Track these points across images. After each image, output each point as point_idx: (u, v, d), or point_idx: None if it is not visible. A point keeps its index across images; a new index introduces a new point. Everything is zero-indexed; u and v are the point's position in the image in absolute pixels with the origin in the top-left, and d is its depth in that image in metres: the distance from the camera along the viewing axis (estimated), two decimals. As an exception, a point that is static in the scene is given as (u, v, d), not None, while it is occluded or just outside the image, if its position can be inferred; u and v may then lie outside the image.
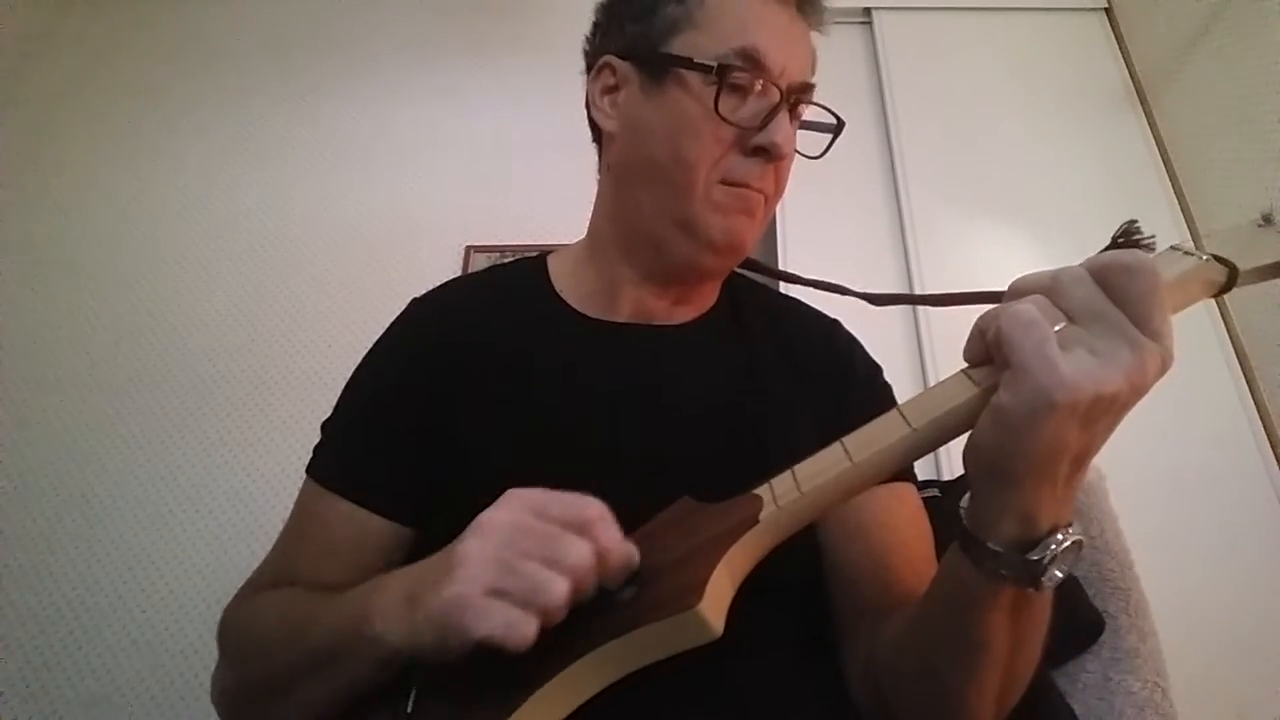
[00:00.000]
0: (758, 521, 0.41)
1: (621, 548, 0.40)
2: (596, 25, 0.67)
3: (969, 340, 0.37)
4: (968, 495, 0.40)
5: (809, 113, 0.64)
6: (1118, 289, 0.34)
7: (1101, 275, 0.34)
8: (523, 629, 0.36)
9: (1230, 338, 1.54)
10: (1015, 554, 0.37)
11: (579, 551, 0.38)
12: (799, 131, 0.64)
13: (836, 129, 0.66)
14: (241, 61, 2.05)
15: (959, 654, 0.43)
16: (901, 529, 0.58)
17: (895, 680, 0.49)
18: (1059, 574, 0.37)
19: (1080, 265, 0.35)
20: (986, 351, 0.36)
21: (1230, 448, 1.44)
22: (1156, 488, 1.37)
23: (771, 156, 0.58)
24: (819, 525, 0.58)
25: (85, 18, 2.08)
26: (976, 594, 0.40)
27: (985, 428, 0.35)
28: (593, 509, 0.40)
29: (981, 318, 0.36)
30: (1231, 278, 0.37)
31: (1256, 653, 1.28)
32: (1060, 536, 0.37)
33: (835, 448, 0.41)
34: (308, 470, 0.61)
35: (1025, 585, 0.38)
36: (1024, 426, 0.33)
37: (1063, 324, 0.34)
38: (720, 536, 0.41)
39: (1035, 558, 0.37)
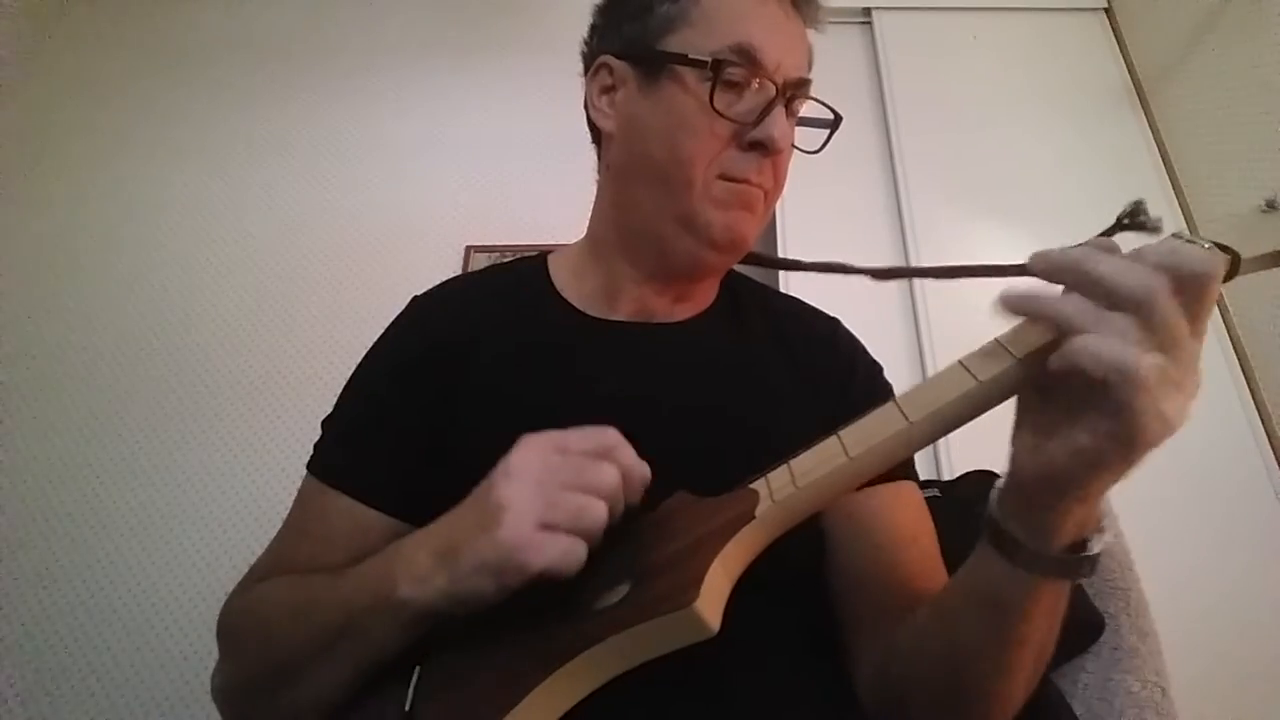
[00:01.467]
0: (754, 517, 0.41)
1: (641, 466, 0.43)
2: (593, 26, 0.68)
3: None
4: (996, 501, 0.40)
5: (806, 108, 0.64)
6: (1189, 297, 0.33)
7: (1179, 285, 0.32)
8: (577, 554, 0.40)
9: (1230, 338, 1.54)
10: (1072, 555, 0.38)
11: (609, 473, 0.42)
12: (797, 128, 0.64)
13: (834, 124, 0.66)
14: (241, 61, 2.06)
15: (998, 652, 0.43)
16: (909, 526, 0.58)
17: (918, 681, 0.48)
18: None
19: (1160, 273, 0.32)
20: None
21: (1230, 448, 1.44)
22: (1156, 488, 1.37)
23: (769, 151, 0.58)
24: (824, 526, 0.58)
25: (85, 18, 2.09)
26: (1021, 596, 0.40)
27: (1061, 461, 0.35)
28: (610, 435, 0.44)
29: (1074, 340, 0.33)
30: (1234, 266, 0.36)
31: (1256, 653, 1.28)
32: (1104, 525, 0.39)
33: (831, 441, 0.41)
34: (308, 466, 0.61)
35: (1078, 579, 0.40)
36: (1115, 466, 0.34)
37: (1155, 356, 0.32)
38: (716, 532, 0.41)
39: (1093, 553, 0.38)
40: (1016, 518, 0.39)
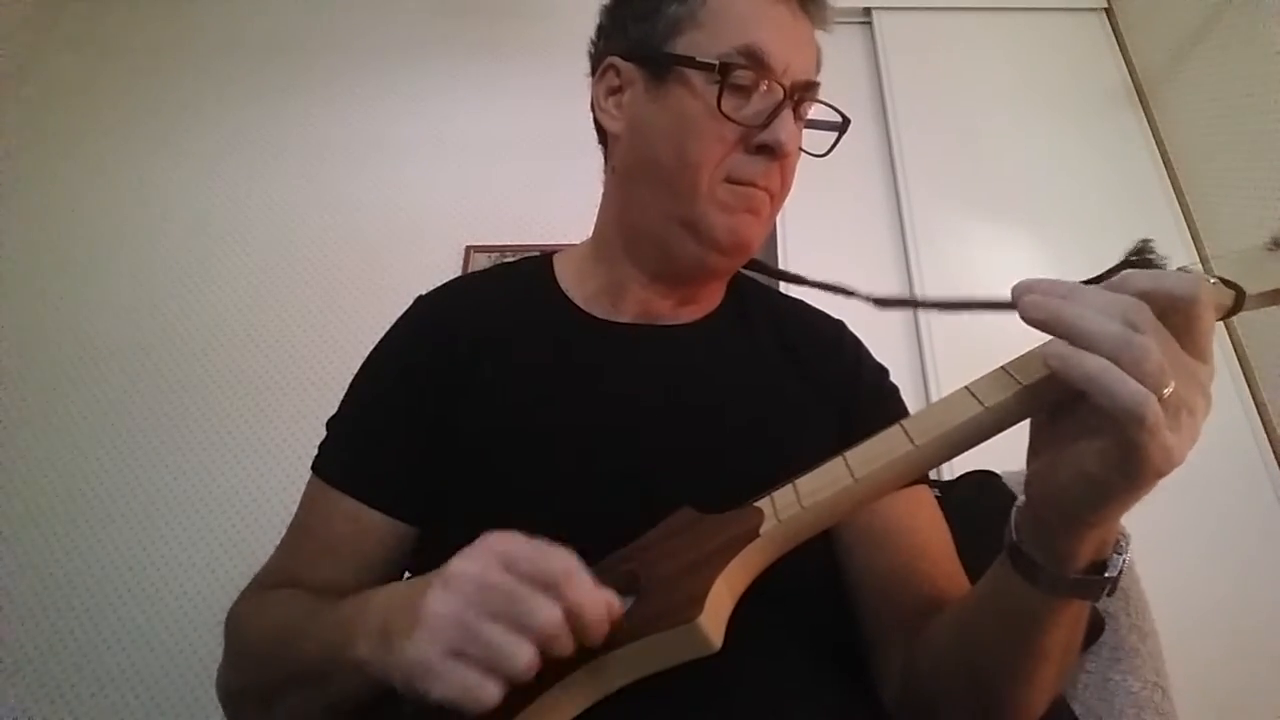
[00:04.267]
0: (758, 535, 0.41)
1: (594, 602, 0.37)
2: (600, 27, 0.67)
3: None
4: (1015, 522, 0.41)
5: (814, 111, 0.64)
6: (1181, 325, 0.33)
7: (1162, 311, 0.33)
8: (481, 694, 0.35)
9: (1230, 339, 1.54)
10: (1093, 575, 0.38)
11: (546, 614, 0.35)
12: (804, 130, 0.63)
13: (841, 127, 0.66)
14: (241, 61, 2.05)
15: (1020, 665, 0.43)
16: (926, 531, 0.58)
17: (942, 690, 0.48)
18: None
19: (1144, 302, 0.33)
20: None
21: (1230, 448, 1.44)
22: (1156, 488, 1.37)
23: (775, 154, 0.58)
24: (840, 537, 0.58)
25: (85, 17, 2.08)
26: (1042, 613, 0.41)
27: (1070, 487, 0.35)
28: (559, 563, 0.37)
29: (1089, 364, 0.32)
30: (1239, 301, 0.37)
31: (1256, 652, 1.28)
32: (1122, 544, 0.39)
33: (837, 462, 0.41)
34: (313, 467, 0.61)
35: (1096, 599, 0.39)
36: (1122, 495, 0.34)
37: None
38: (720, 549, 0.41)
39: (1113, 574, 0.38)
40: (1033, 540, 0.39)
